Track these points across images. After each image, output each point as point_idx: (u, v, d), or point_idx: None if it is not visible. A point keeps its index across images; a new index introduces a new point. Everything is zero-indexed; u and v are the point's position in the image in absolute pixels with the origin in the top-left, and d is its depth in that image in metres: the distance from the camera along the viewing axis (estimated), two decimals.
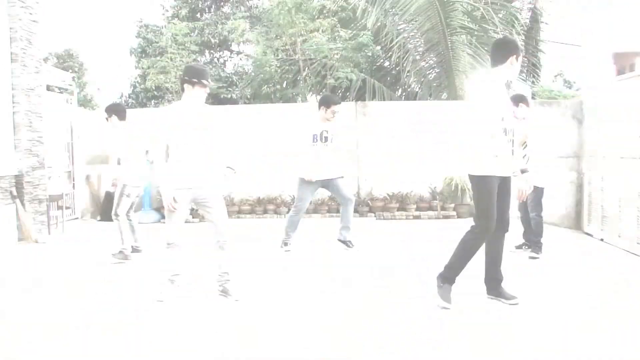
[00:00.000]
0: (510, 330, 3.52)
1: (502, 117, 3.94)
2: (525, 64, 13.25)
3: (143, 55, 14.85)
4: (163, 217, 4.42)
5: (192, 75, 4.12)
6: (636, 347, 3.21)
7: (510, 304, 4.02)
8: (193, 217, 8.68)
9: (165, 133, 4.16)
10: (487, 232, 4.00)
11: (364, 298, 4.30)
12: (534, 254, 5.75)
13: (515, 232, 6.01)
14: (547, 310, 3.93)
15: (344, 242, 6.31)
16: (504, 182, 4.05)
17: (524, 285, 4.61)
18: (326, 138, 6.07)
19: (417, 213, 8.84)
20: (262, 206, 9.12)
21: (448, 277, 4.06)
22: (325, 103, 6.06)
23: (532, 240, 5.86)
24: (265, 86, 12.12)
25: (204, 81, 4.14)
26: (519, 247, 5.99)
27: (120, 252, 5.80)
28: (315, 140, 6.05)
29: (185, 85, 4.15)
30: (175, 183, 4.15)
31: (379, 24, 11.85)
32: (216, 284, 4.41)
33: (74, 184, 8.83)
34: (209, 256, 5.95)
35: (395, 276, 5.01)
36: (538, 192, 5.65)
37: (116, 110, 5.97)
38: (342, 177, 6.20)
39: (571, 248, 6.48)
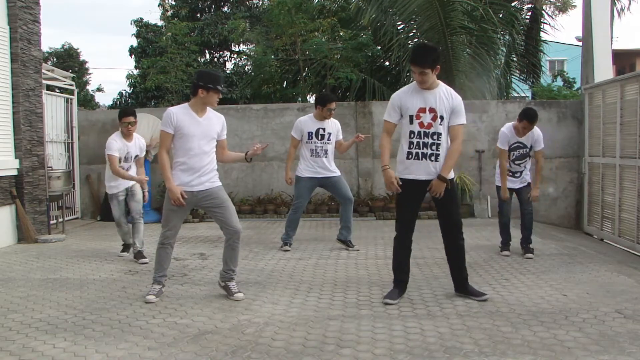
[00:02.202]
0: (507, 328, 3.52)
1: (409, 120, 4.02)
2: (525, 64, 13.29)
3: (143, 55, 14.87)
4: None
5: (208, 81, 4.09)
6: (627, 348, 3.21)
7: (479, 300, 4.12)
8: (193, 217, 8.69)
9: (171, 137, 4.15)
10: (398, 234, 4.18)
11: (364, 298, 4.30)
12: (530, 255, 5.76)
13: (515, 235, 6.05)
14: (544, 310, 3.93)
15: (344, 241, 6.31)
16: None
17: (522, 285, 4.62)
18: (323, 136, 6.07)
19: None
20: (262, 206, 9.12)
21: (394, 280, 4.25)
22: (321, 102, 6.07)
23: (528, 237, 5.85)
24: (265, 86, 12.13)
25: (219, 87, 4.13)
26: (527, 250, 5.82)
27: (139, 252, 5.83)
28: (310, 137, 6.05)
29: (200, 91, 4.12)
30: (181, 183, 4.16)
31: (378, 23, 11.87)
32: (219, 279, 4.43)
33: (74, 184, 8.82)
34: (212, 254, 6.00)
35: None
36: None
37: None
38: (339, 175, 6.20)
39: (570, 248, 6.47)
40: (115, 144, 5.63)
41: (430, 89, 4.02)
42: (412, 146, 4.04)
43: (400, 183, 4.06)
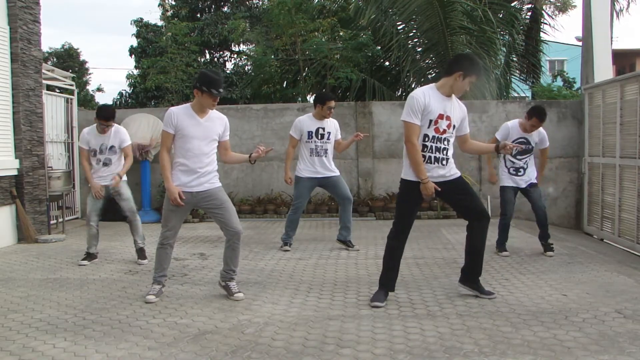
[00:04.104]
0: (507, 328, 3.52)
1: (428, 123, 4.01)
2: (525, 64, 13.29)
3: (143, 55, 14.88)
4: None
5: (203, 83, 4.04)
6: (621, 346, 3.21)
7: (489, 299, 4.16)
8: (193, 217, 8.69)
9: (172, 136, 4.15)
10: (399, 233, 4.16)
11: (364, 298, 4.29)
12: (550, 252, 5.84)
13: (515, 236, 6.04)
14: (544, 310, 3.93)
15: (343, 242, 6.31)
16: (450, 184, 4.11)
17: (522, 285, 4.62)
18: (322, 135, 6.07)
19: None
20: (262, 206, 9.12)
21: (381, 281, 4.23)
22: (320, 100, 6.06)
23: (546, 233, 5.90)
24: (265, 86, 12.13)
25: (213, 90, 4.05)
26: (547, 248, 5.89)
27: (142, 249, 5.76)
28: (310, 137, 6.05)
29: (195, 91, 4.11)
30: (180, 183, 4.17)
31: (378, 24, 11.88)
32: (220, 279, 4.44)
33: (74, 184, 8.82)
34: (213, 254, 6.00)
35: None
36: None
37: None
38: (339, 175, 6.20)
39: (570, 248, 6.46)
40: (84, 138, 5.61)
41: (450, 96, 4.09)
42: (425, 149, 4.06)
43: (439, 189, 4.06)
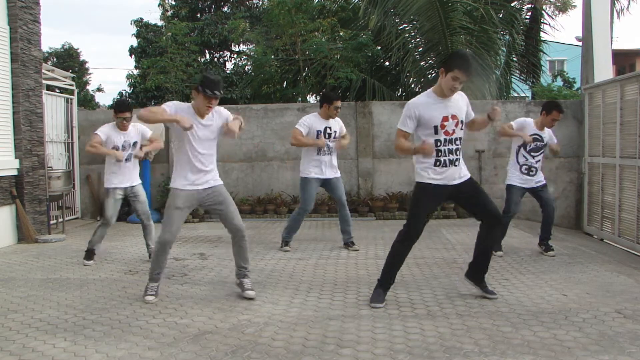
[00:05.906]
0: (507, 328, 3.52)
1: (434, 130, 4.00)
2: (525, 64, 13.29)
3: (143, 55, 14.87)
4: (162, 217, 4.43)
5: (200, 83, 4.09)
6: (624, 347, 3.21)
7: (490, 298, 4.19)
8: (193, 217, 8.69)
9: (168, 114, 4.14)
10: (410, 236, 4.12)
11: (364, 298, 4.30)
12: (552, 252, 5.86)
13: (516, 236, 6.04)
14: (544, 310, 3.93)
15: (345, 243, 6.31)
16: (464, 185, 4.11)
17: (522, 285, 4.62)
18: (330, 135, 6.05)
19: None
20: (262, 206, 9.12)
21: (381, 282, 4.22)
22: (327, 100, 6.03)
23: (548, 237, 5.96)
24: (265, 86, 12.12)
25: (208, 91, 4.06)
26: (548, 248, 5.95)
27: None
28: (318, 136, 6.02)
29: (193, 91, 4.16)
30: (181, 182, 4.20)
31: (379, 24, 11.88)
32: (235, 276, 4.48)
33: (74, 184, 8.82)
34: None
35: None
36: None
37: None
38: (339, 176, 6.19)
39: (570, 248, 6.46)
40: (103, 130, 5.56)
41: (446, 96, 4.07)
42: (440, 154, 4.04)
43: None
